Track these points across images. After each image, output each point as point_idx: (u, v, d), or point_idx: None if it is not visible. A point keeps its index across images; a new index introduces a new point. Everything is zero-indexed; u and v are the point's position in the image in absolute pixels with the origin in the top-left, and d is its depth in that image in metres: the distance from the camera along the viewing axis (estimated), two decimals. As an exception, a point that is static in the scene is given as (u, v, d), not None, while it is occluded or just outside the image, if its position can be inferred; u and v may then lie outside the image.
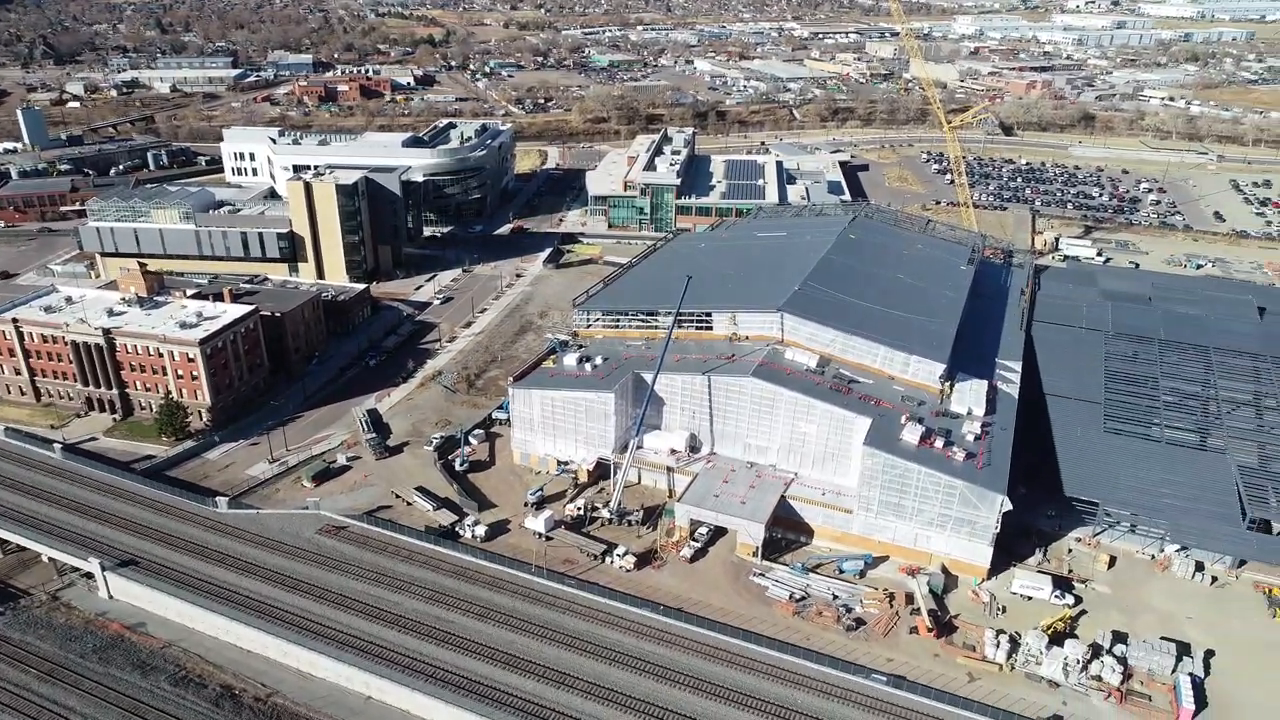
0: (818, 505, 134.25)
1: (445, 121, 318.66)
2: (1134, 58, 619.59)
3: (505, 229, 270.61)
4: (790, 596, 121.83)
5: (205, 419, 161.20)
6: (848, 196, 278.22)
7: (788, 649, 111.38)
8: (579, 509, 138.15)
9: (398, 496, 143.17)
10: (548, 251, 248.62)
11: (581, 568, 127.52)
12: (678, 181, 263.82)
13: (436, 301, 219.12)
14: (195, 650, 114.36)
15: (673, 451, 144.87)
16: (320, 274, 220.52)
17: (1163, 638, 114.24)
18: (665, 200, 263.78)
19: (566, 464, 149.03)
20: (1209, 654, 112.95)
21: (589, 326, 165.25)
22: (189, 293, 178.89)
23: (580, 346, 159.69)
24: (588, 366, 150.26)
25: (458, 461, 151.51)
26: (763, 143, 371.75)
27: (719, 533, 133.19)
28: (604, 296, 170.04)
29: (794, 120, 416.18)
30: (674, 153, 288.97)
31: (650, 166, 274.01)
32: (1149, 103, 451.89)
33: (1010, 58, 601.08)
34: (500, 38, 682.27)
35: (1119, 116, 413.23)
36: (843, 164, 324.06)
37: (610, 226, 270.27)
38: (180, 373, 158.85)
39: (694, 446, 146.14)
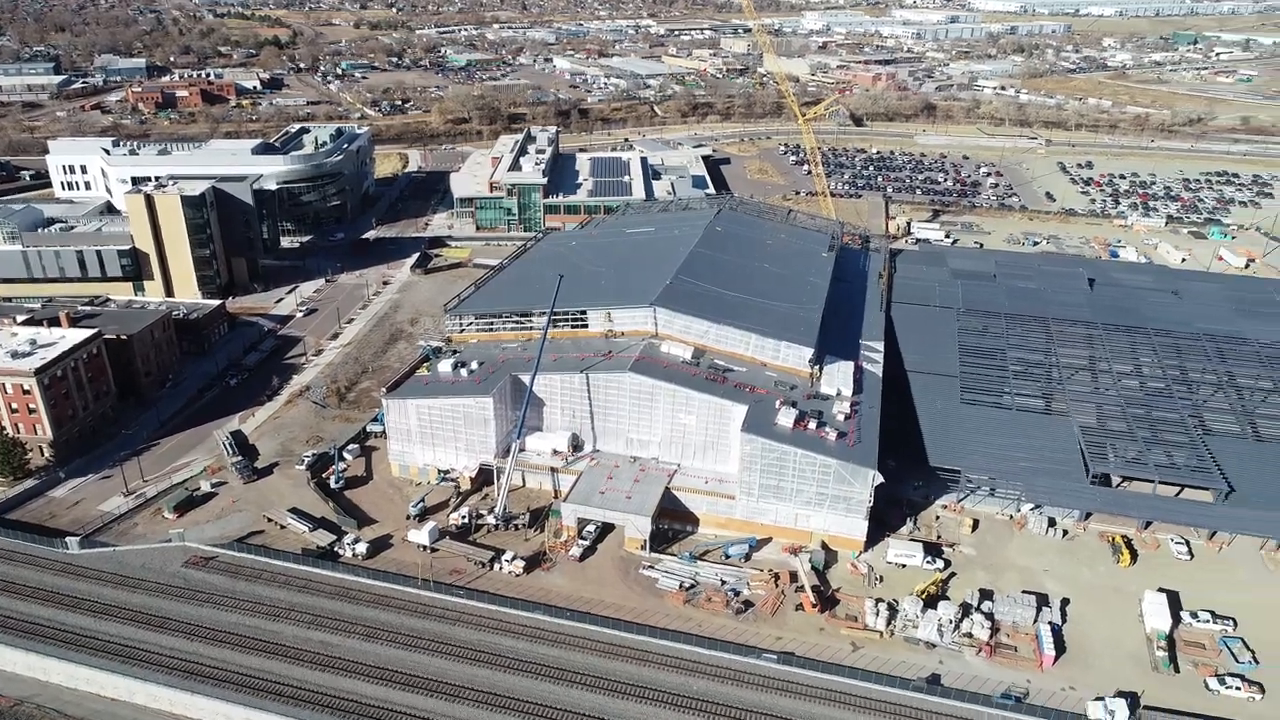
0: (701, 494, 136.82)
1: (298, 126, 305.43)
2: (967, 50, 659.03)
3: (369, 235, 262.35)
4: (680, 586, 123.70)
5: (47, 454, 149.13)
6: (712, 190, 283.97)
7: (680, 637, 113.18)
8: (463, 517, 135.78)
9: (270, 520, 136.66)
10: (415, 256, 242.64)
11: (470, 576, 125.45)
12: (544, 181, 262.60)
13: (299, 314, 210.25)
14: (51, 705, 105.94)
15: (555, 452, 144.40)
16: (169, 291, 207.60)
17: (1024, 591, 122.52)
18: (533, 200, 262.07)
19: (448, 473, 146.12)
20: (1065, 602, 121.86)
21: (462, 331, 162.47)
22: (19, 319, 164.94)
23: (454, 352, 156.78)
24: (463, 372, 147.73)
25: (333, 479, 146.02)
26: (626, 139, 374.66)
27: (607, 529, 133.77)
28: (476, 300, 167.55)
29: (656, 116, 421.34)
30: (538, 152, 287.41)
31: (515, 166, 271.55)
32: (983, 92, 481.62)
33: (856, 52, 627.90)
34: (351, 38, 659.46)
35: (957, 105, 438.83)
36: (705, 158, 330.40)
37: (478, 228, 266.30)
38: (15, 406, 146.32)
39: (576, 445, 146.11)
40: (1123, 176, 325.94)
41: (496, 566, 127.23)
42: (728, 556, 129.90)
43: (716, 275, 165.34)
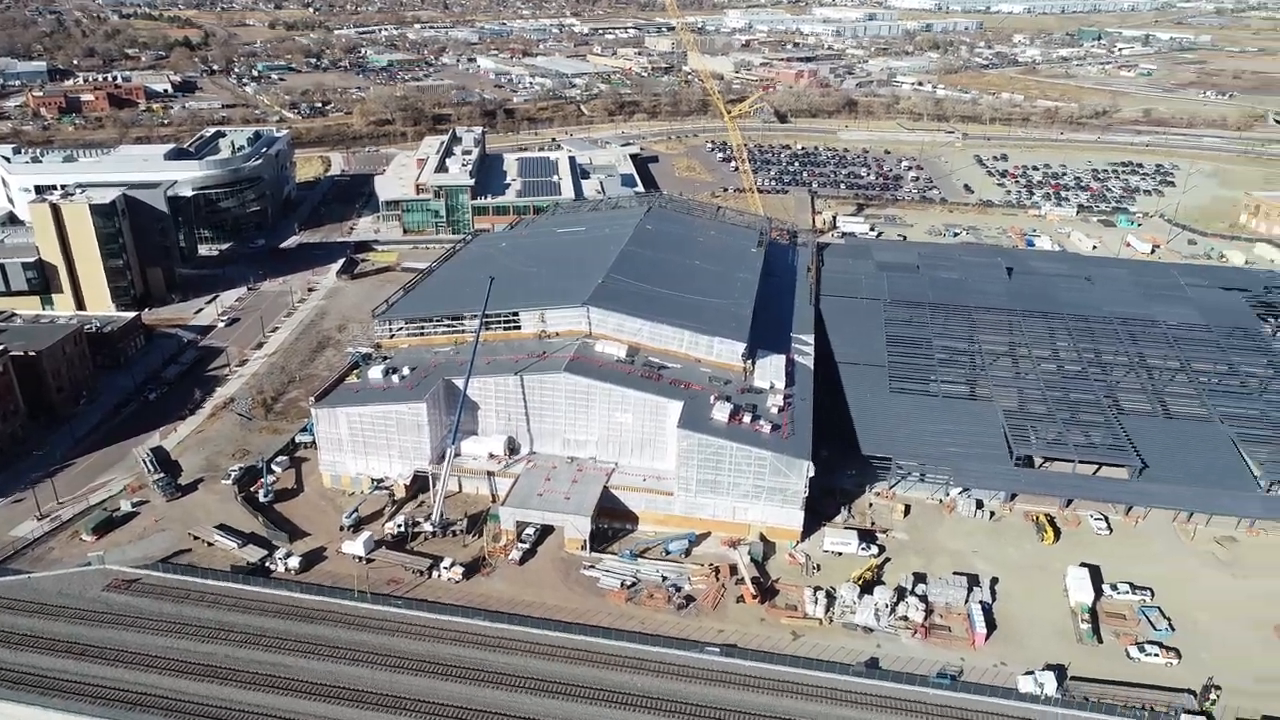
0: (640, 491, 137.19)
1: (213, 130, 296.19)
2: (885, 47, 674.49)
3: (291, 241, 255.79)
4: (621, 584, 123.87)
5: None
6: (641, 188, 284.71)
7: (623, 636, 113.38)
8: (399, 526, 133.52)
9: (196, 538, 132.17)
10: (341, 262, 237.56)
11: (408, 585, 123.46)
12: (472, 182, 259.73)
13: (221, 324, 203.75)
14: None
15: (492, 455, 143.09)
16: (80, 304, 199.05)
17: (956, 573, 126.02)
18: (460, 201, 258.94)
19: (381, 481, 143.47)
20: (994, 581, 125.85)
21: (392, 336, 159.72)
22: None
23: (385, 358, 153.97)
24: (395, 378, 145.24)
25: (261, 493, 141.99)
26: (554, 139, 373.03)
27: (546, 531, 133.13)
28: (405, 304, 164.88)
29: (582, 115, 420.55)
30: (465, 153, 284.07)
31: (442, 168, 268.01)
32: (902, 88, 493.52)
33: (779, 49, 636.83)
34: (266, 39, 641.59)
35: (877, 101, 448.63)
36: (633, 156, 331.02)
37: (405, 232, 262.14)
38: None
39: (513, 448, 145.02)
40: (1035, 168, 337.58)
41: (435, 574, 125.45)
42: (668, 553, 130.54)
43: (648, 273, 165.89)
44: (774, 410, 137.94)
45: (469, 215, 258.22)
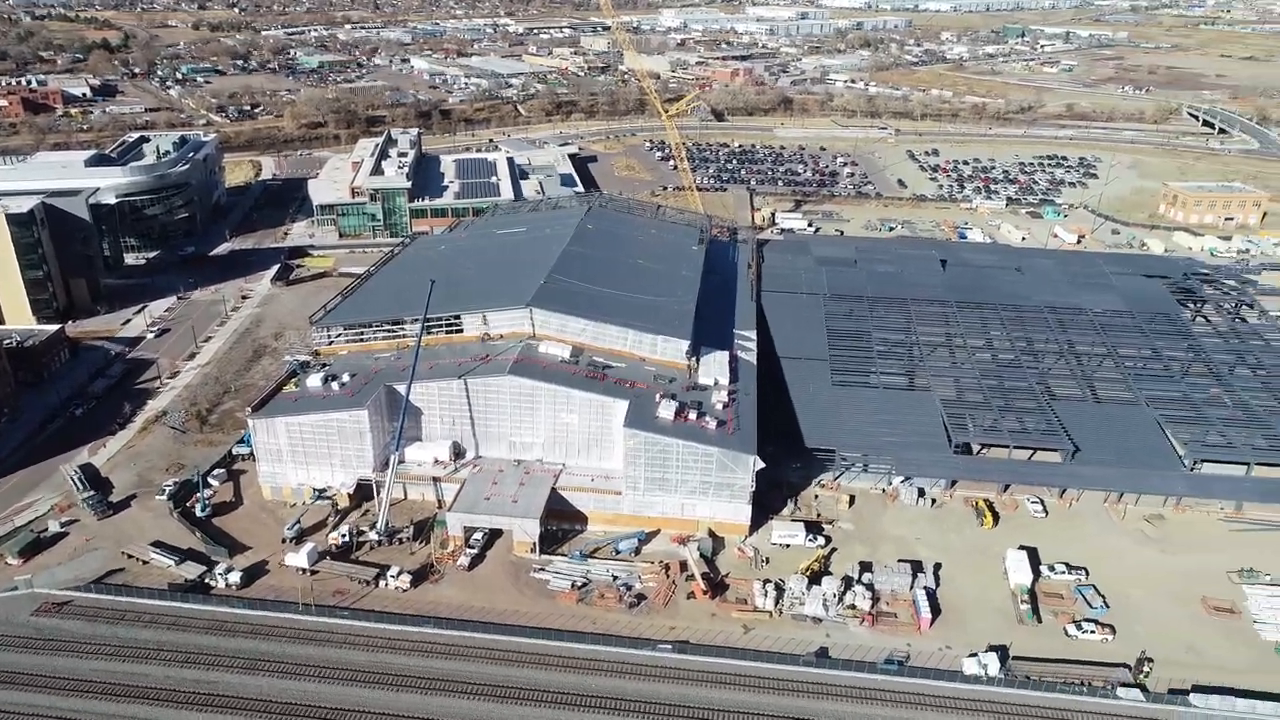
0: (588, 492, 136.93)
1: (136, 135, 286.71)
2: (818, 45, 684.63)
3: (223, 248, 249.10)
4: (572, 585, 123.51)
5: None
6: (580, 188, 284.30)
7: (575, 637, 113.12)
8: (344, 536, 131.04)
9: (130, 557, 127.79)
10: (275, 268, 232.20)
11: (355, 596, 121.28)
12: (408, 184, 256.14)
13: (150, 335, 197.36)
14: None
15: (437, 461, 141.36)
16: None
17: (900, 560, 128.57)
18: (398, 204, 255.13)
19: (324, 491, 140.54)
20: (937, 566, 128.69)
21: (331, 343, 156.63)
22: None
23: (324, 365, 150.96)
24: (335, 385, 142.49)
25: (198, 507, 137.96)
26: (491, 140, 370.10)
27: (495, 535, 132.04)
28: (344, 310, 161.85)
29: (520, 116, 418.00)
30: (401, 155, 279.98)
31: (377, 170, 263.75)
32: (835, 85, 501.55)
33: (714, 48, 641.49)
34: (190, 40, 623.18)
35: (812, 99, 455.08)
36: (572, 156, 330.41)
37: (341, 236, 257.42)
38: None
39: (458, 453, 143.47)
40: (966, 162, 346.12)
41: (382, 583, 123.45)
42: (618, 552, 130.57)
43: (591, 273, 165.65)
44: (719, 406, 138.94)
45: (407, 218, 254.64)
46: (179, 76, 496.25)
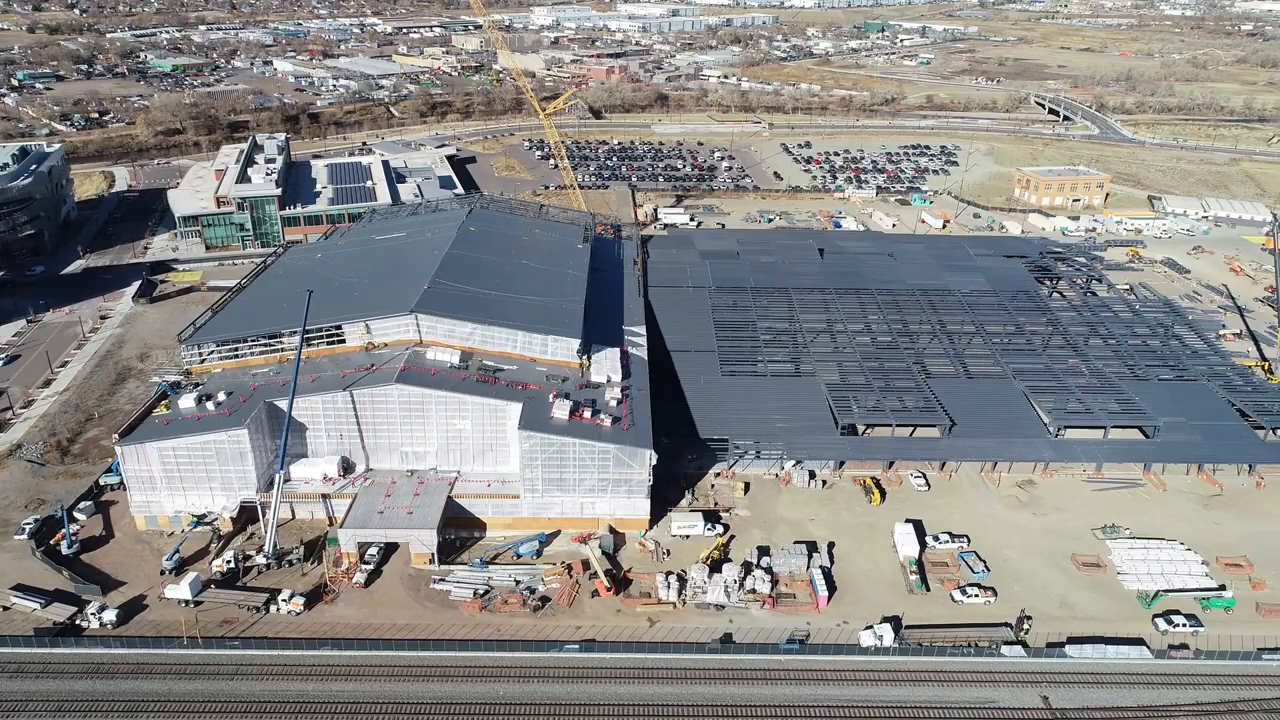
0: (485, 498, 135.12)
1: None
2: (690, 42, 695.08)
3: (75, 266, 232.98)
4: (474, 593, 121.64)
5: None
6: (460, 190, 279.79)
7: (480, 645, 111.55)
8: (229, 562, 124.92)
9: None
10: (137, 285, 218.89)
11: (244, 624, 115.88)
12: (278, 191, 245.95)
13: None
14: None
15: (326, 477, 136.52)
16: None
17: (796, 542, 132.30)
18: (267, 213, 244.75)
19: (204, 517, 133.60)
20: (831, 545, 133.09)
21: (203, 361, 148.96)
22: None
23: (197, 385, 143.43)
24: (210, 405, 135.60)
25: (64, 544, 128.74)
26: (364, 143, 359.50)
27: (391, 549, 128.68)
28: (215, 325, 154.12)
29: (393, 118, 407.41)
30: (268, 161, 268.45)
31: (244, 178, 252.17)
32: (709, 81, 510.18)
33: (588, 46, 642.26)
34: (26, 44, 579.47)
35: (687, 95, 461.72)
36: (450, 158, 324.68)
37: (208, 248, 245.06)
38: None
39: (348, 467, 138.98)
40: (837, 154, 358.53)
41: (274, 608, 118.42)
42: (519, 555, 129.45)
43: (476, 275, 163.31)
44: (613, 403, 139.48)
45: (278, 227, 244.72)
46: (15, 83, 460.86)
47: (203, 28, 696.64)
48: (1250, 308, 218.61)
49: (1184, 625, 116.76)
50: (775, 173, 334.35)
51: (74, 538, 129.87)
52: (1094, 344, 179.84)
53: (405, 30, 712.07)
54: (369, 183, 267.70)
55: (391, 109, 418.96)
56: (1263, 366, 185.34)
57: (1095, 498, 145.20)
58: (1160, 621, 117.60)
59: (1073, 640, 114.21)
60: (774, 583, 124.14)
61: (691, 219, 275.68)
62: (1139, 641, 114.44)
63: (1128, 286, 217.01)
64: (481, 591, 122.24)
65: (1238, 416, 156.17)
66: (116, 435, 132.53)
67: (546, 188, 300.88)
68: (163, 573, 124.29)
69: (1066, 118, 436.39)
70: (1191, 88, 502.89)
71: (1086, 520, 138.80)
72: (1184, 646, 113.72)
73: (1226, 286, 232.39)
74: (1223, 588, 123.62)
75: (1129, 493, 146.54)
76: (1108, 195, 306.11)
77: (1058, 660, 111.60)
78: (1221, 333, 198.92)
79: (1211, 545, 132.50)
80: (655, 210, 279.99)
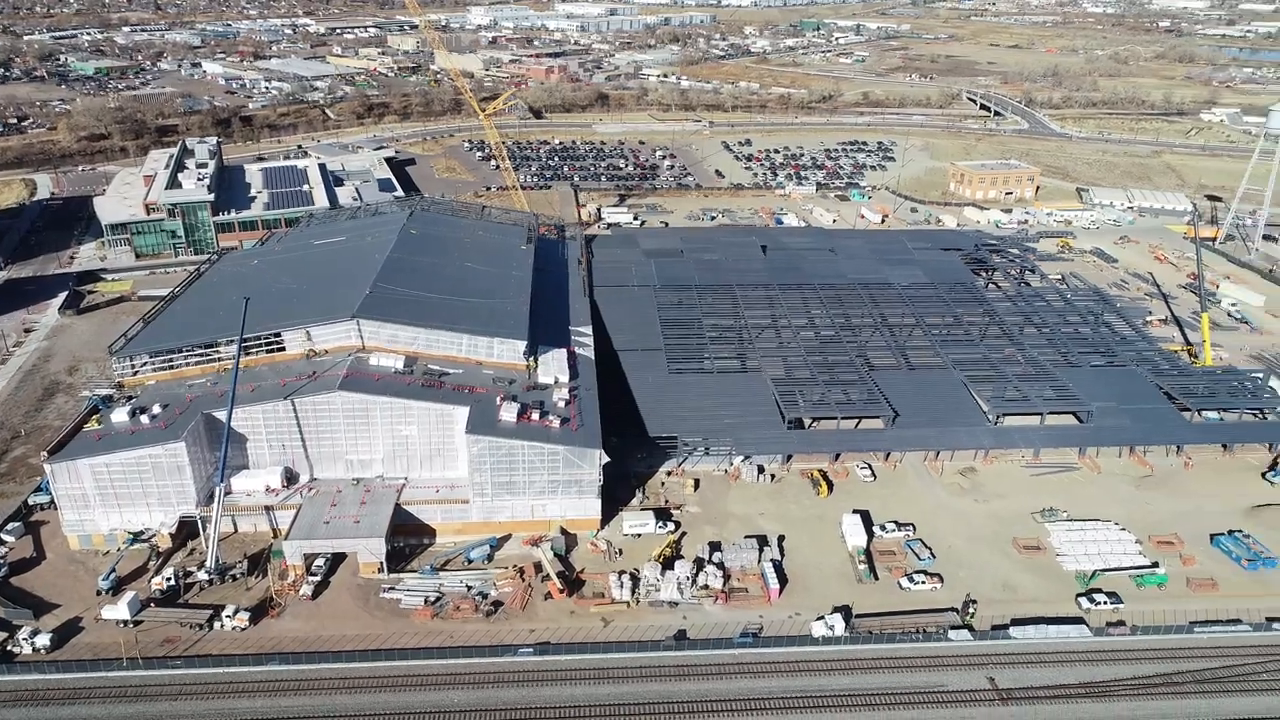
0: (434, 504, 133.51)
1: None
2: (629, 41, 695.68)
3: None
4: (425, 601, 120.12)
5: None
6: (400, 192, 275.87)
7: (432, 653, 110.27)
8: (169, 579, 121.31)
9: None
10: (63, 296, 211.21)
11: (187, 643, 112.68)
12: (211, 197, 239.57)
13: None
14: None
15: (268, 488, 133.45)
16: None
17: (747, 536, 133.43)
18: (200, 219, 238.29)
19: (141, 534, 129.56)
20: (781, 539, 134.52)
21: (136, 373, 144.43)
22: None
23: (130, 398, 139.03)
24: (145, 419, 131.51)
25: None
26: (300, 146, 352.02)
27: (338, 559, 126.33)
28: (148, 336, 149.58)
29: (329, 120, 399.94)
30: (200, 166, 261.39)
31: (174, 184, 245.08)
32: (649, 80, 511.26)
33: (526, 45, 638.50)
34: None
35: (627, 94, 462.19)
36: (389, 160, 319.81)
37: (139, 256, 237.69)
38: None
39: (291, 477, 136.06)
40: (777, 151, 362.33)
41: (218, 625, 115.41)
42: (470, 561, 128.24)
43: (418, 279, 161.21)
44: (561, 404, 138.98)
45: (212, 233, 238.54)
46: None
47: (126, 29, 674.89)
48: (1174, 294, 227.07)
49: (1105, 603, 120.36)
50: (717, 170, 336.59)
51: (2, 560, 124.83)
52: (1029, 333, 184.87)
53: (339, 31, 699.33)
54: (305, 186, 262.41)
55: (327, 111, 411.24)
56: (1187, 351, 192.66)
57: (1034, 482, 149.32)
58: (1083, 601, 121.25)
59: (1016, 622, 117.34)
60: (726, 578, 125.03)
61: (635, 218, 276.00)
62: (1079, 621, 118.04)
63: (1059, 276, 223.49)
64: (433, 598, 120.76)
65: (1165, 400, 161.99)
66: (45, 453, 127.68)
67: (488, 189, 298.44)
68: (99, 593, 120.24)
69: (998, 113, 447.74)
70: (1114, 83, 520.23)
71: (1026, 504, 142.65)
72: (1121, 623, 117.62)
73: (1152, 274, 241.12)
74: (1155, 565, 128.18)
75: (1065, 476, 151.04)
76: (1039, 188, 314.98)
77: (1002, 642, 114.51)
78: (1148, 319, 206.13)
79: (1144, 524, 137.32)
80: (598, 210, 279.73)
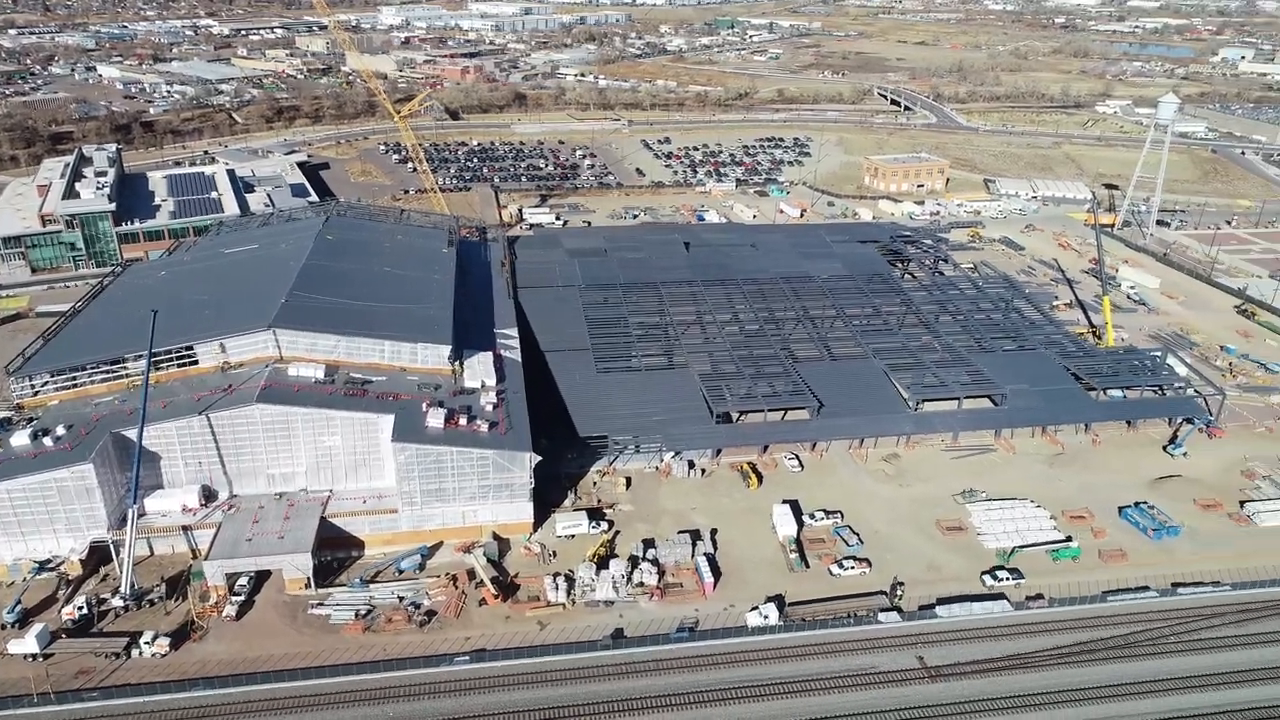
0: (362, 515, 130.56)
1: None
2: (545, 40, 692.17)
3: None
4: (356, 615, 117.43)
5: None
6: (315, 197, 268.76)
7: (364, 668, 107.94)
8: (80, 608, 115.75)
9: None
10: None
11: (103, 673, 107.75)
12: (112, 206, 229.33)
13: None
14: None
15: (185, 508, 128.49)
16: None
17: (680, 532, 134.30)
18: (102, 230, 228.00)
19: (47, 562, 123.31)
20: (714, 532, 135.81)
21: (36, 393, 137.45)
22: None
23: (30, 420, 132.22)
24: (47, 441, 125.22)
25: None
26: (206, 151, 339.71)
27: (263, 577, 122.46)
28: (48, 354, 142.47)
29: (236, 124, 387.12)
30: (99, 174, 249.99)
31: (72, 194, 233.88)
32: (566, 79, 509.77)
33: (441, 46, 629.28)
34: None
35: (545, 94, 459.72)
36: (301, 164, 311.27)
37: (35, 271, 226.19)
38: None
39: (209, 495, 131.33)
40: (696, 148, 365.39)
41: (135, 652, 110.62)
42: (400, 571, 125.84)
43: (337, 286, 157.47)
44: (489, 408, 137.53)
45: (114, 245, 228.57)
46: None
47: (12, 31, 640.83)
48: (1078, 279, 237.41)
49: (1008, 579, 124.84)
50: (637, 169, 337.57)
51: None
52: (944, 320, 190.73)
53: (244, 32, 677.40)
54: (214, 194, 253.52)
55: (234, 115, 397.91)
56: (1092, 333, 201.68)
57: (954, 465, 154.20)
58: (987, 578, 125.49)
59: (942, 601, 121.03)
60: (661, 574, 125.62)
61: (557, 218, 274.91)
62: (1000, 597, 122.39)
63: (971, 265, 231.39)
64: (364, 612, 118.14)
65: (1073, 380, 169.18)
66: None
67: (406, 192, 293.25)
68: (3, 627, 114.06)
69: (907, 108, 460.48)
70: (1015, 77, 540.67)
71: (947, 487, 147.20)
72: (1040, 597, 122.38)
73: (1056, 260, 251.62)
74: (1069, 539, 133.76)
75: (983, 458, 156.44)
76: (948, 180, 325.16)
77: (930, 621, 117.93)
78: (1054, 304, 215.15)
79: (1057, 500, 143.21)
80: (520, 210, 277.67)
